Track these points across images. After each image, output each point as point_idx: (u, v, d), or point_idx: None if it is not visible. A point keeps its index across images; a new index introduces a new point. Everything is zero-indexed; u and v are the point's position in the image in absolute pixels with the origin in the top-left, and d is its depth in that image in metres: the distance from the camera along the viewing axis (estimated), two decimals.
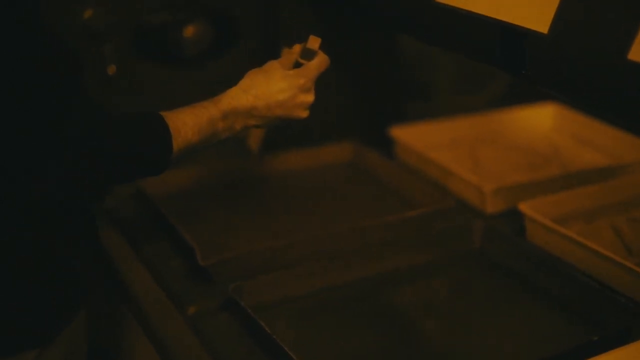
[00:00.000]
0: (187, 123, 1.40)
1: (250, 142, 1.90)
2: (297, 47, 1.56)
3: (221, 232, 1.72)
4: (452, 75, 2.46)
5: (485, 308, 1.54)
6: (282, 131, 1.74)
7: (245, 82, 1.51)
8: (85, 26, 1.99)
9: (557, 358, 1.28)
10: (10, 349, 1.35)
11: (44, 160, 1.25)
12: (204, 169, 1.91)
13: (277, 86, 1.49)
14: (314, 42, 1.55)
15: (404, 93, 2.32)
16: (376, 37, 2.20)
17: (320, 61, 1.54)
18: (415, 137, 2.05)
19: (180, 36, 2.06)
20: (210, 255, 1.54)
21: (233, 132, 1.49)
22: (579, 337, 1.38)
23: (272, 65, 1.53)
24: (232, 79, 1.96)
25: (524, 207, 1.70)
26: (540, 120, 2.24)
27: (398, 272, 1.61)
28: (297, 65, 1.54)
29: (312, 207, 1.84)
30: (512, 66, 1.44)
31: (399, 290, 1.59)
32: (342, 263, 1.57)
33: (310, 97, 1.53)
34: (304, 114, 1.53)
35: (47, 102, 1.25)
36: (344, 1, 1.92)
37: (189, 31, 2.06)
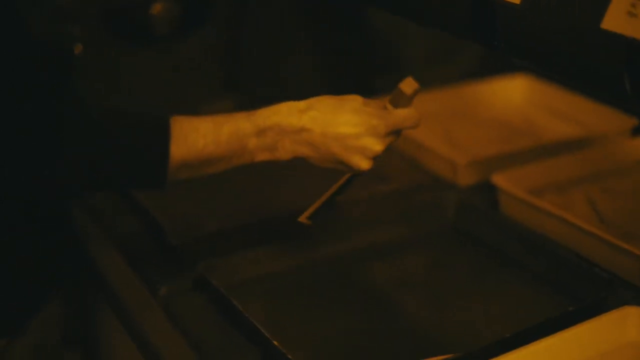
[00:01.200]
0: (199, 130, 1.25)
1: None
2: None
3: (193, 211, 1.69)
4: (423, 48, 2.44)
5: (461, 282, 1.54)
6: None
7: (309, 101, 1.31)
8: (55, 8, 1.96)
9: (533, 329, 1.27)
10: None
11: (36, 159, 1.20)
12: None
13: (344, 117, 1.28)
14: (408, 86, 1.34)
15: (374, 66, 2.30)
16: (346, 11, 2.18)
17: (407, 113, 1.32)
18: None
19: (148, 14, 2.04)
20: (181, 235, 1.52)
21: (276, 156, 1.30)
22: (555, 308, 1.38)
23: (353, 96, 1.33)
24: (200, 60, 1.95)
25: (497, 179, 1.69)
26: (513, 92, 2.22)
27: (373, 248, 1.59)
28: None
29: (284, 183, 1.82)
30: (483, 37, 1.42)
31: (375, 267, 1.57)
32: (316, 240, 1.56)
33: (377, 146, 1.28)
34: (364, 163, 1.29)
35: (38, 99, 1.20)
36: None
37: (157, 9, 2.05)
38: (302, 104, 1.30)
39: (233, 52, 2.18)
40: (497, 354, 1.20)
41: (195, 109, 1.62)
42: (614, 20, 1.13)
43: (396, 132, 1.32)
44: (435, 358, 1.22)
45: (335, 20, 2.16)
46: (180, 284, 1.47)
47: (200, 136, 1.25)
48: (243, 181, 1.80)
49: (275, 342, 1.26)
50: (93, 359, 1.86)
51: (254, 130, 1.27)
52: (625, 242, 1.50)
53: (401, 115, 1.32)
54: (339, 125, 1.27)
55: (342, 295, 1.48)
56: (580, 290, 1.43)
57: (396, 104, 1.33)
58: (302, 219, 1.39)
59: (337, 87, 2.16)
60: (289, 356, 1.23)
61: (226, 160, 1.28)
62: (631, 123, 1.94)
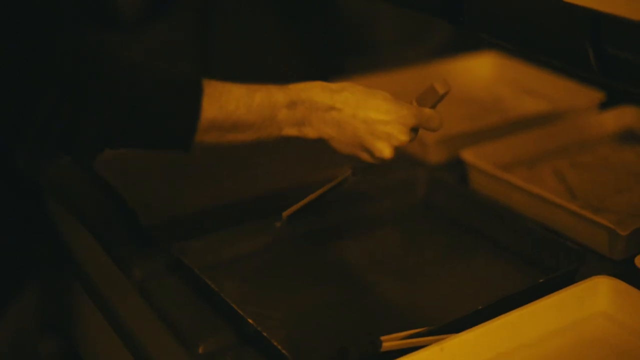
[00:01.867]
0: (232, 92, 1.22)
1: None
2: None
3: (166, 193, 1.70)
4: (392, 30, 2.45)
5: (433, 257, 1.55)
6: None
7: (342, 84, 1.30)
8: None
9: (505, 301, 1.28)
10: None
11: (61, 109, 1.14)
12: None
13: (375, 102, 1.27)
14: (441, 85, 1.32)
15: (344, 49, 2.31)
16: None
17: (433, 114, 1.32)
18: None
19: None
20: (154, 217, 1.53)
21: (303, 132, 1.28)
22: (527, 281, 1.39)
23: (381, 91, 1.31)
24: (170, 44, 1.94)
25: (466, 155, 1.71)
26: (481, 70, 2.24)
27: (346, 226, 1.60)
28: None
29: (257, 164, 1.82)
30: (450, 15, 1.43)
31: (348, 244, 1.58)
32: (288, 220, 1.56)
33: (404, 136, 1.28)
34: (387, 151, 1.28)
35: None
36: None
37: None
38: (335, 85, 1.29)
39: (203, 35, 2.18)
40: (469, 326, 1.22)
41: None
42: None
43: (415, 131, 1.32)
44: (408, 332, 1.23)
45: (304, 3, 2.17)
46: (154, 266, 1.48)
47: (232, 98, 1.22)
48: (215, 164, 1.81)
49: (250, 320, 1.27)
50: (70, 344, 1.86)
51: (286, 102, 1.26)
52: (594, 214, 1.52)
53: (428, 113, 1.32)
54: (370, 109, 1.27)
55: (315, 272, 1.49)
56: (551, 263, 1.45)
57: (424, 103, 1.33)
58: (286, 214, 1.39)
59: (308, 69, 2.19)
60: (264, 334, 1.24)
61: (255, 129, 1.25)
62: (599, 98, 1.95)
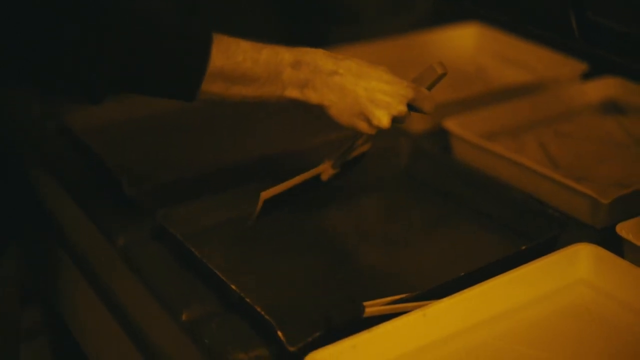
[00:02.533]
0: (240, 45, 1.26)
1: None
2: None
3: (148, 161, 1.70)
4: (375, 1, 2.46)
5: (416, 226, 1.56)
6: None
7: (345, 55, 1.33)
8: None
9: (487, 268, 1.30)
10: None
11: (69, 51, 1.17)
12: (133, 102, 1.86)
13: (377, 72, 1.30)
14: (439, 66, 1.38)
15: (328, 18, 2.31)
16: None
17: (430, 95, 1.35)
18: None
19: None
20: (137, 185, 1.53)
21: (305, 95, 1.29)
22: (509, 248, 1.40)
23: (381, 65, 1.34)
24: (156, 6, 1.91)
25: (449, 124, 1.71)
26: (464, 41, 2.24)
27: (329, 195, 1.60)
28: None
29: (241, 132, 1.83)
30: None
31: (331, 213, 1.59)
32: (272, 186, 1.57)
33: (402, 106, 1.31)
34: (385, 120, 1.30)
35: None
36: None
37: None
38: (339, 54, 1.32)
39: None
40: (452, 293, 1.23)
41: None
42: None
43: (410, 107, 1.34)
44: (390, 298, 1.24)
45: None
46: (138, 233, 1.48)
47: (240, 50, 1.25)
48: (198, 131, 1.82)
49: (233, 287, 1.27)
50: (53, 312, 1.87)
51: (291, 60, 1.28)
52: (577, 183, 1.53)
53: (425, 92, 1.35)
54: (372, 78, 1.29)
55: (299, 240, 1.50)
56: (533, 230, 1.46)
57: (421, 83, 1.35)
58: (265, 195, 1.40)
59: (292, 36, 2.18)
60: (248, 301, 1.25)
61: (259, 84, 1.28)
62: (581, 68, 1.96)
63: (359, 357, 1.14)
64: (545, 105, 1.85)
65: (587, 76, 1.97)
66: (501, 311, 1.28)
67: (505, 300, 1.28)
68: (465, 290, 1.24)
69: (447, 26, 2.25)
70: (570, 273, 1.34)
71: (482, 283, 1.25)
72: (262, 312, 1.22)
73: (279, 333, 1.17)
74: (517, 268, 1.29)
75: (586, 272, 1.34)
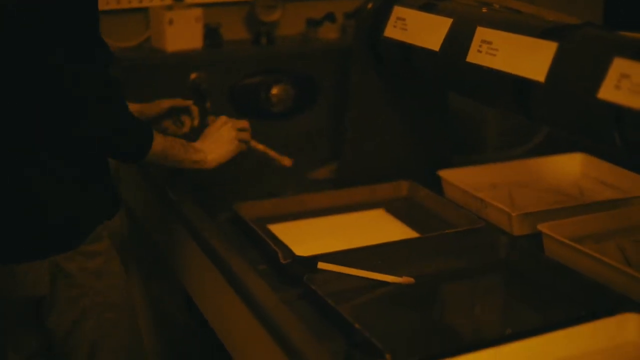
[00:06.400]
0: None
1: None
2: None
3: None
4: (495, 132, 2.88)
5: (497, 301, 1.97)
6: None
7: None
8: (192, 85, 2.48)
9: (551, 325, 1.67)
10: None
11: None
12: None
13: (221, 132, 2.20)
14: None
15: (454, 146, 2.73)
16: (430, 98, 2.63)
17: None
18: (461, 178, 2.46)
19: (269, 94, 2.53)
20: None
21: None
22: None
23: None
24: (311, 131, 2.42)
25: (543, 227, 2.09)
26: (570, 168, 2.63)
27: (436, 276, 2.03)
28: None
29: None
30: (523, 111, 1.88)
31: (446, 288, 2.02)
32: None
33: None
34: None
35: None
36: (401, 65, 2.36)
37: (275, 90, 2.53)
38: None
39: (336, 128, 2.64)
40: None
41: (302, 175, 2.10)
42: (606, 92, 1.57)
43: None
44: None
45: (421, 103, 2.60)
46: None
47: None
48: None
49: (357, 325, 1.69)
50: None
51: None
52: None
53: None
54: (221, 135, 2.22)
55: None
56: (594, 302, 1.81)
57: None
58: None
59: (422, 159, 2.58)
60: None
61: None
62: None
63: None
64: (626, 217, 2.20)
65: None
66: (563, 356, 1.64)
67: (561, 350, 1.64)
68: (527, 339, 1.62)
69: (556, 155, 2.66)
70: (620, 335, 1.70)
71: (544, 335, 1.63)
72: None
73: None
74: (575, 326, 1.66)
75: (633, 335, 1.70)
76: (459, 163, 2.62)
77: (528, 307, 1.91)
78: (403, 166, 2.56)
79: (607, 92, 1.58)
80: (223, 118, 2.21)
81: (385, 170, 2.50)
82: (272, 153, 2.29)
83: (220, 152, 2.15)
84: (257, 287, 1.82)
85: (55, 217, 1.92)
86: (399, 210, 2.40)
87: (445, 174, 2.48)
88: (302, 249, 2.05)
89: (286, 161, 2.29)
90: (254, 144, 2.27)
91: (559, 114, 1.77)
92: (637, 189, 2.40)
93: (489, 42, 1.86)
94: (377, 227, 2.30)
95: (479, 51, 1.88)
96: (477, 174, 2.54)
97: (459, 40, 1.99)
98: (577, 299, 1.87)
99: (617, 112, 1.58)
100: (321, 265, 1.91)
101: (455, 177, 2.47)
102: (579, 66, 1.69)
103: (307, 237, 2.20)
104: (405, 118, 2.55)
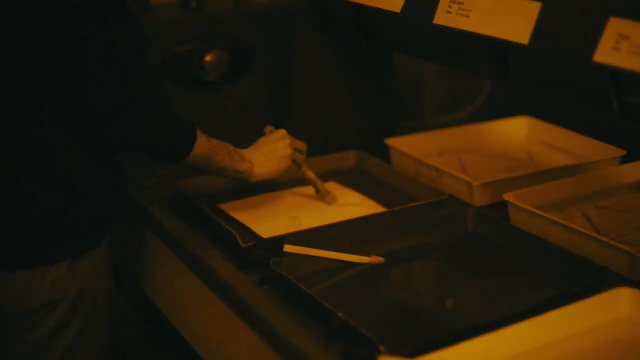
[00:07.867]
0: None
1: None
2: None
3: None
4: (439, 97, 2.79)
5: (482, 276, 1.85)
6: None
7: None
8: None
9: (541, 306, 1.57)
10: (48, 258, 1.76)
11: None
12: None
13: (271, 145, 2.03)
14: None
15: (398, 112, 2.62)
16: (377, 65, 2.51)
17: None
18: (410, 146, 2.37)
19: (202, 62, 2.37)
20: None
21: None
22: (560, 291, 1.69)
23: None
24: (249, 99, 2.27)
25: (509, 196, 2.00)
26: (516, 131, 2.56)
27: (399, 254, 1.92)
28: None
29: None
30: (497, 75, 1.76)
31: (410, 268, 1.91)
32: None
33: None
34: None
35: None
36: (351, 29, 2.22)
37: (209, 57, 2.38)
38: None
39: (275, 97, 2.51)
40: (510, 324, 1.51)
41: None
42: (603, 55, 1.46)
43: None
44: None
45: (365, 69, 2.48)
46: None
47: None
48: None
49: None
50: None
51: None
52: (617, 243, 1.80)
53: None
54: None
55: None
56: (580, 278, 1.72)
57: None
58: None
59: (367, 127, 2.48)
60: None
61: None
62: (620, 153, 2.26)
63: None
64: (587, 184, 2.14)
65: (624, 160, 2.27)
66: (555, 340, 1.54)
67: (557, 330, 1.55)
68: (520, 323, 1.51)
69: (500, 119, 2.57)
70: (614, 311, 1.61)
71: (535, 318, 1.53)
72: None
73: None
74: (567, 306, 1.57)
75: (628, 311, 1.62)
76: (403, 130, 2.52)
77: (512, 285, 1.81)
78: (348, 135, 2.45)
79: (604, 54, 1.46)
80: (282, 131, 2.03)
81: (330, 140, 2.39)
82: (320, 185, 2.14)
83: (268, 168, 1.97)
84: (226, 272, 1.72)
85: (79, 219, 1.79)
86: (351, 181, 2.28)
87: (394, 142, 2.37)
88: (259, 230, 1.92)
89: (330, 199, 2.14)
90: (306, 169, 2.10)
91: (544, 78, 1.65)
92: (589, 152, 2.34)
93: (460, 2, 1.72)
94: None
95: (449, 12, 1.74)
96: (425, 141, 2.44)
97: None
98: (561, 273, 1.79)
99: (614, 76, 1.47)
100: (287, 247, 1.77)
101: (403, 145, 2.37)
102: (568, 27, 1.57)
103: (262, 216, 2.05)
104: (352, 85, 2.45)
